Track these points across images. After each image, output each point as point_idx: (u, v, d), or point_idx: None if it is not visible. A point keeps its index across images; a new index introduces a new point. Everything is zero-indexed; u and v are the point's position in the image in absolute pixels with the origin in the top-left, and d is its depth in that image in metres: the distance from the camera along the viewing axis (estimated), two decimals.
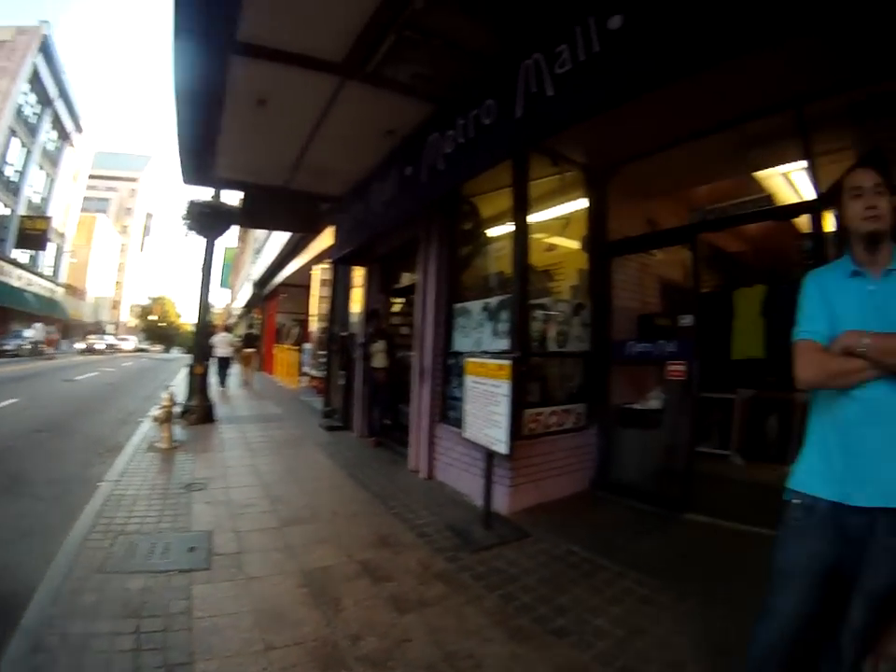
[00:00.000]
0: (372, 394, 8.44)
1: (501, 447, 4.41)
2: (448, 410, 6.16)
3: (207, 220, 9.69)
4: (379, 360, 8.18)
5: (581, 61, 3.66)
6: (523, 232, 5.39)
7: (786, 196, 6.08)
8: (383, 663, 2.66)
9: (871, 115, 4.43)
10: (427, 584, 3.55)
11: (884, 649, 2.32)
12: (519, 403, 4.74)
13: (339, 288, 11.19)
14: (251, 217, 9.67)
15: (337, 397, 10.22)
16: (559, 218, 6.63)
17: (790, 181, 5.96)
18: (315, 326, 16.91)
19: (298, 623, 3.01)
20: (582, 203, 6.33)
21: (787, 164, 5.64)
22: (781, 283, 6.67)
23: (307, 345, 16.49)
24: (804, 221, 5.25)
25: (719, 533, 4.64)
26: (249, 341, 20.98)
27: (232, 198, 10.28)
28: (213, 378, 12.62)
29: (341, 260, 9.59)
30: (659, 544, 4.43)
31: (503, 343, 5.33)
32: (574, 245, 6.61)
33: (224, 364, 16.13)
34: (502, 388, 4.42)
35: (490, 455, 4.65)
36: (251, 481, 5.88)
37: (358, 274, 10.19)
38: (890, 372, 1.88)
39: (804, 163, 4.92)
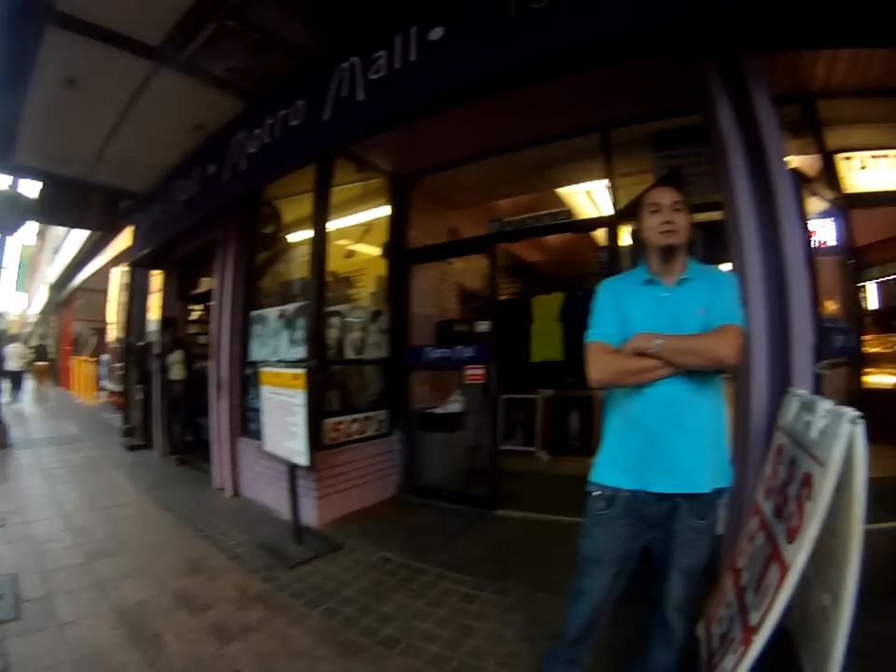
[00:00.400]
0: (171, 409, 7.90)
1: (301, 459, 4.30)
2: (248, 422, 5.93)
3: (1, 212, 8.57)
4: (177, 372, 7.69)
5: (397, 68, 3.69)
6: (322, 238, 5.30)
7: (585, 211, 6.62)
8: None
9: (667, 144, 5.00)
10: (247, 608, 3.39)
11: (713, 613, 2.78)
12: (318, 413, 4.70)
13: (136, 294, 10.26)
14: (47, 211, 8.58)
15: (136, 413, 9.43)
16: (361, 225, 6.66)
17: (590, 198, 6.50)
18: (112, 335, 15.24)
19: (120, 668, 2.75)
20: (385, 211, 6.36)
21: (588, 182, 6.14)
22: (578, 290, 7.17)
23: (104, 357, 14.96)
24: (601, 235, 5.77)
25: (530, 525, 4.87)
26: (42, 352, 19.13)
27: (31, 189, 8.93)
28: (3, 397, 11.13)
29: (138, 263, 8.81)
30: (474, 542, 4.54)
31: (300, 352, 5.21)
32: (374, 251, 6.62)
33: (16, 379, 14.55)
34: (298, 398, 4.32)
35: (293, 468, 4.50)
36: (51, 512, 5.29)
37: (157, 279, 9.46)
38: (680, 370, 2.07)
39: (604, 182, 5.34)
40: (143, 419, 9.02)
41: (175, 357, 7.74)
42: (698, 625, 2.89)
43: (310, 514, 4.82)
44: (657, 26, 2.99)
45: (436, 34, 3.50)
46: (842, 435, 1.97)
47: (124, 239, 10.18)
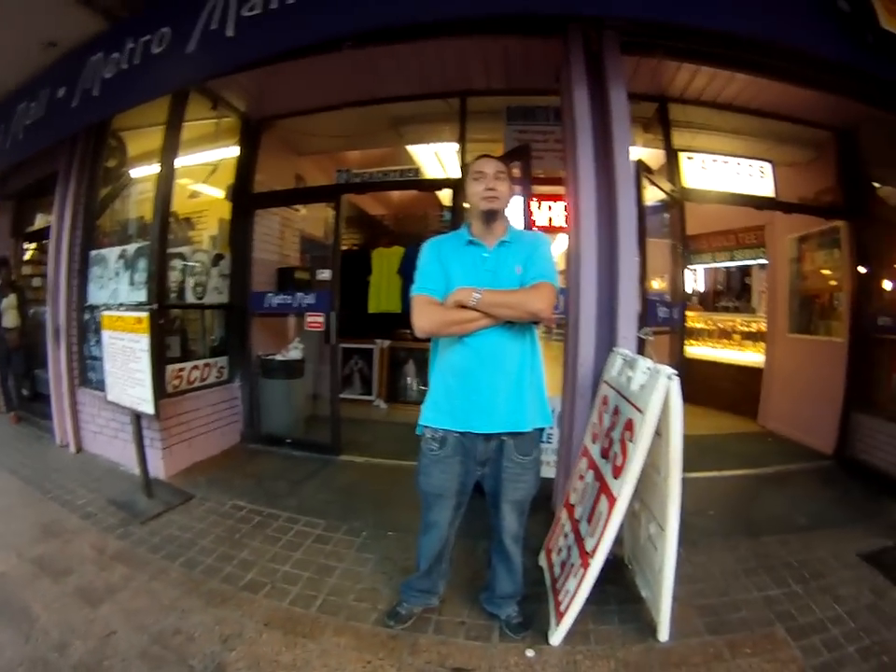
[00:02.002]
0: (5, 360, 7.18)
1: (147, 407, 4.19)
2: (88, 372, 5.57)
3: None
4: (10, 319, 6.91)
5: (273, 8, 3.64)
6: (169, 176, 5.08)
7: (433, 171, 6.94)
8: (98, 664, 2.50)
9: (520, 118, 5.45)
10: (109, 569, 3.34)
11: (552, 544, 3.19)
12: (161, 359, 4.59)
13: None
14: None
15: None
16: (208, 165, 6.44)
17: (439, 159, 6.82)
18: None
19: None
20: (233, 152, 6.19)
21: (440, 143, 6.43)
22: (418, 246, 7.38)
23: None
24: (446, 195, 6.03)
25: (373, 470, 5.19)
26: None
27: None
28: None
29: None
30: (321, 487, 4.75)
31: (140, 295, 4.99)
32: (219, 193, 6.49)
33: None
34: (142, 343, 4.17)
35: (138, 418, 4.39)
36: None
37: None
38: (498, 322, 2.37)
39: (456, 146, 5.59)
40: None
41: (8, 301, 6.96)
42: (540, 556, 3.35)
43: (157, 466, 4.75)
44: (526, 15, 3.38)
45: None
46: (659, 388, 2.38)
47: None
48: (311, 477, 4.98)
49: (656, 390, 2.40)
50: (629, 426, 2.59)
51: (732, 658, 2.65)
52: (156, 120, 5.16)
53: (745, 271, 10.17)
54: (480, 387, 2.43)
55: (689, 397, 7.70)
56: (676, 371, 2.44)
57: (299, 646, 2.66)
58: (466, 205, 2.69)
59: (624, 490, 2.49)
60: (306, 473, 5.05)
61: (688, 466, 5.15)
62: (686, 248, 5.55)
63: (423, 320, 2.42)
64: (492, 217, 2.52)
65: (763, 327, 8.25)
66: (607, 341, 3.56)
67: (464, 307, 2.34)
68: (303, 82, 5.21)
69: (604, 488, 2.71)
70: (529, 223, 4.48)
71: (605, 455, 2.84)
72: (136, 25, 4.43)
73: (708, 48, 3.95)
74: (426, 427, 2.58)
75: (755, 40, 3.50)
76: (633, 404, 2.62)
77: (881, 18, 3.37)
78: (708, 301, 10.95)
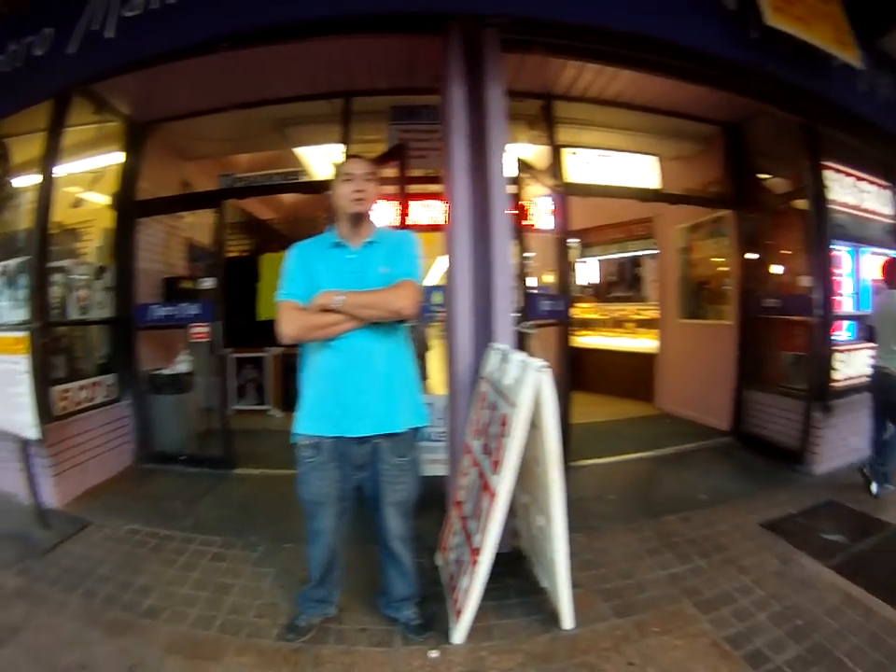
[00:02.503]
0: None
1: (32, 432, 4.06)
2: None
3: None
4: None
5: (153, 9, 3.62)
6: (49, 184, 4.88)
7: (321, 172, 6.99)
8: None
9: (403, 117, 5.55)
10: (9, 608, 3.20)
11: (446, 543, 3.30)
12: (45, 380, 4.44)
13: None
14: None
15: None
16: (91, 172, 6.23)
17: (329, 160, 6.79)
18: None
19: None
20: (118, 158, 6.00)
21: (326, 145, 6.43)
22: None
23: None
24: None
25: (268, 481, 5.21)
26: None
27: None
28: None
29: None
30: (216, 503, 4.75)
31: (22, 314, 4.76)
32: (103, 202, 6.23)
33: None
34: (21, 365, 4.06)
35: (25, 444, 4.22)
36: None
37: None
38: (364, 323, 2.43)
39: (341, 147, 5.59)
40: None
41: None
42: (437, 555, 3.47)
43: (50, 494, 4.57)
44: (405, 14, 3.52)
45: None
46: (529, 381, 2.51)
47: None
48: (206, 494, 4.95)
49: (527, 384, 2.52)
50: (504, 421, 2.70)
51: (641, 638, 2.80)
52: (39, 125, 4.95)
53: (636, 261, 10.56)
54: (350, 391, 2.49)
55: (585, 385, 8.13)
56: (545, 364, 2.56)
57: (201, 669, 2.66)
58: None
59: (503, 485, 2.61)
60: (201, 490, 5.02)
61: (586, 453, 5.48)
62: (566, 243, 5.77)
63: (288, 326, 2.44)
64: (360, 218, 2.59)
65: (656, 314, 8.66)
66: (484, 336, 3.68)
67: (328, 310, 2.39)
68: (188, 84, 5.15)
69: (485, 484, 2.82)
70: (403, 222, 4.61)
71: (486, 450, 2.96)
72: (19, 26, 4.32)
73: (591, 44, 4.07)
74: (300, 435, 2.62)
75: (637, 37, 3.66)
76: (507, 399, 2.74)
77: (766, 14, 3.58)
78: (602, 292, 11.36)
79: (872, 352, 5.12)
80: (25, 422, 4.09)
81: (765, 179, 6.34)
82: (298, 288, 2.50)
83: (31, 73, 4.18)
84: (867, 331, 5.43)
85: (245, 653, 2.77)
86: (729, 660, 2.62)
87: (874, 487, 4.68)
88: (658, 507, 4.44)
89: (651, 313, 9.25)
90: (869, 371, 5.10)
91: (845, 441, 5.41)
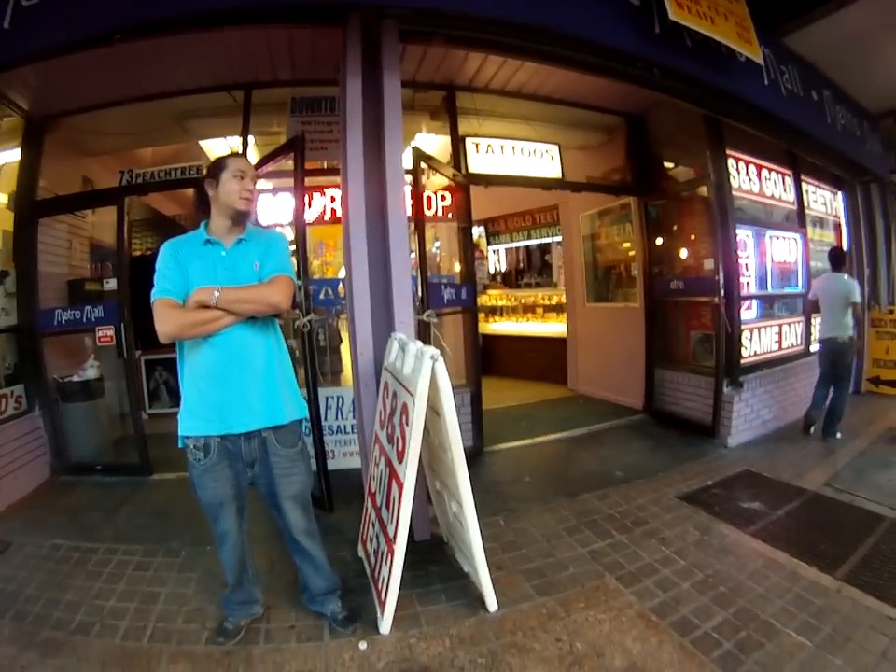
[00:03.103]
0: None
1: None
2: None
3: None
4: None
5: None
6: None
7: None
8: None
9: (303, 109, 5.55)
10: None
11: (365, 535, 3.38)
12: None
13: None
14: None
15: None
16: None
17: (234, 153, 6.61)
18: None
19: None
20: (15, 155, 5.76)
21: (228, 137, 6.42)
22: None
23: None
24: None
25: (186, 485, 4.93)
26: None
27: None
28: None
29: None
30: (135, 511, 4.72)
31: None
32: (2, 201, 5.94)
33: None
34: None
35: None
36: None
37: None
38: (241, 318, 2.49)
39: (240, 139, 5.65)
40: None
41: None
42: (358, 548, 3.57)
43: None
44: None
45: None
46: (425, 370, 2.63)
47: None
48: (124, 503, 4.91)
49: (422, 372, 2.65)
50: (405, 409, 2.82)
51: (567, 615, 2.94)
52: None
53: (545, 248, 10.93)
54: (231, 386, 2.53)
55: (498, 371, 8.38)
56: (437, 352, 2.69)
57: None
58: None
59: (409, 473, 2.73)
60: (119, 499, 4.98)
61: (501, 437, 5.67)
62: (469, 232, 5.90)
63: (165, 324, 2.42)
64: (243, 218, 2.65)
65: (564, 299, 8.99)
66: (386, 327, 3.79)
67: (206, 307, 2.41)
68: (87, 76, 4.98)
69: (393, 473, 2.95)
70: (300, 215, 4.61)
71: (391, 440, 3.08)
72: None
73: (492, 36, 4.10)
74: (186, 437, 2.64)
75: (540, 29, 3.76)
76: (406, 388, 2.86)
77: (670, 10, 3.71)
78: (512, 280, 11.70)
79: (819, 326, 5.87)
80: None
81: (669, 168, 6.65)
82: (173, 286, 2.49)
83: None
84: (811, 307, 6.11)
85: (178, 661, 2.81)
86: (656, 629, 2.77)
87: (812, 430, 5.63)
88: (575, 486, 4.62)
89: (559, 297, 9.57)
90: (817, 343, 5.85)
91: (756, 414, 5.78)
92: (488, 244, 11.42)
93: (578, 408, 7.38)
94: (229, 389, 2.53)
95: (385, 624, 2.87)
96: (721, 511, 3.99)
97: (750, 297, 6.16)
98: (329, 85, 5.10)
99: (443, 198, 6.07)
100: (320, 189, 5.92)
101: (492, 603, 3.00)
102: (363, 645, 2.81)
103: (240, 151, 5.59)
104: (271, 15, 3.85)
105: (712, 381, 5.72)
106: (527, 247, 11.21)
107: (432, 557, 3.53)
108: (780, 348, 6.53)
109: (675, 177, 6.63)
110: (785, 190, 6.98)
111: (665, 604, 2.96)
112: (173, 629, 3.06)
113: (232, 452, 2.63)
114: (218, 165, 2.65)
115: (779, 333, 6.53)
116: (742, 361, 5.77)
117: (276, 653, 2.81)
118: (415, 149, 4.80)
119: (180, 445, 2.70)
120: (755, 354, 6.02)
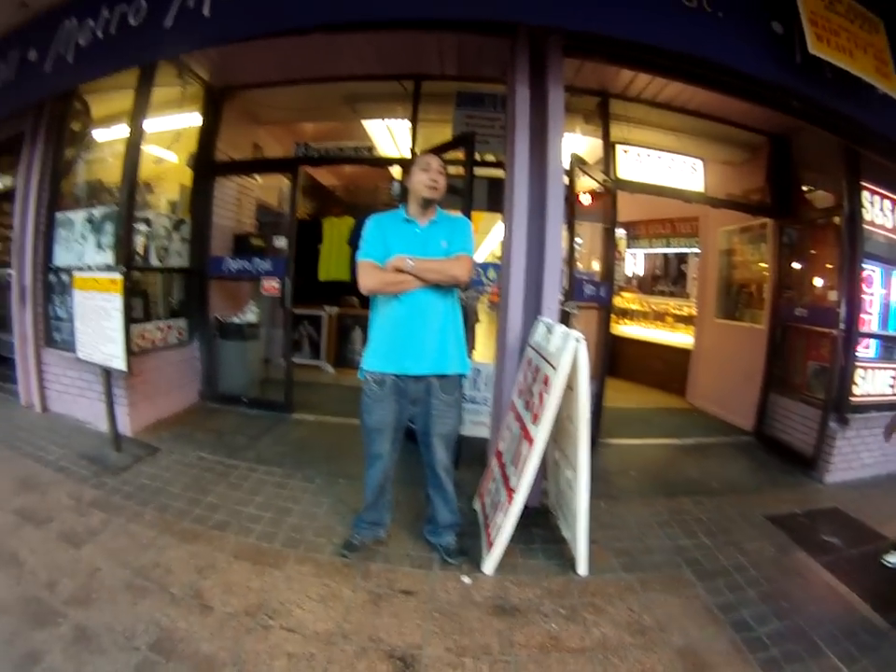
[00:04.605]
0: None
1: (119, 363, 4.47)
2: (53, 332, 5.72)
3: None
4: None
5: None
6: (137, 142, 5.22)
7: (385, 144, 7.42)
8: (87, 597, 2.76)
9: (469, 104, 5.87)
10: (87, 515, 3.62)
11: (484, 489, 3.74)
12: (129, 319, 4.70)
13: None
14: None
15: None
16: (171, 131, 6.63)
17: (391, 134, 7.27)
18: None
19: None
20: (196, 120, 6.42)
21: (394, 120, 6.87)
22: (366, 217, 7.76)
23: None
24: (397, 170, 6.54)
25: (323, 426, 5.73)
26: None
27: None
28: None
29: None
30: (276, 441, 5.24)
31: (107, 257, 5.22)
32: (180, 160, 6.70)
33: None
34: (114, 302, 4.47)
35: (108, 375, 4.67)
36: None
37: None
38: (427, 284, 2.95)
39: (408, 124, 6.03)
40: None
41: None
42: (474, 501, 3.92)
43: (124, 422, 5.00)
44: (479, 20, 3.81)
45: None
46: (569, 348, 2.94)
47: None
48: (266, 432, 5.42)
49: (567, 350, 2.95)
50: (546, 380, 3.13)
51: (643, 591, 3.16)
52: (120, 84, 5.22)
53: (682, 258, 10.68)
54: (412, 336, 2.99)
55: (621, 373, 8.44)
56: (582, 335, 3.00)
57: (266, 574, 3.08)
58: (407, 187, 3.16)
59: (541, 433, 3.04)
60: (262, 429, 5.49)
61: (615, 433, 5.89)
62: (613, 233, 5.99)
63: (368, 280, 2.96)
64: (429, 203, 3.10)
65: (694, 311, 8.86)
66: (533, 310, 4.07)
67: (400, 271, 2.91)
68: (266, 56, 5.47)
69: (525, 434, 3.25)
70: (469, 204, 4.87)
71: (528, 406, 3.38)
72: None
73: (645, 55, 4.27)
74: (367, 371, 3.12)
75: (682, 56, 3.88)
76: (549, 362, 3.17)
77: (810, 43, 3.72)
78: (646, 285, 11.50)
79: None
80: (113, 353, 4.53)
81: (808, 192, 6.44)
82: (376, 251, 3.00)
83: (125, 41, 4.34)
84: None
85: (303, 564, 3.21)
86: (716, 622, 2.92)
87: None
88: (674, 488, 4.74)
89: (689, 309, 9.46)
90: None
91: (858, 456, 5.54)
92: (627, 246, 11.34)
93: (690, 419, 7.38)
94: (409, 339, 3.00)
95: (489, 565, 3.20)
96: (800, 538, 4.00)
97: (870, 335, 5.78)
98: (493, 83, 5.48)
99: (592, 199, 6.29)
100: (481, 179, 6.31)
101: (582, 567, 3.26)
102: (466, 579, 3.15)
103: (409, 136, 6.00)
104: (448, 25, 4.21)
105: (820, 413, 5.54)
106: (665, 255, 11.03)
107: (537, 522, 3.80)
108: (894, 393, 6.02)
109: (812, 202, 6.38)
110: None
111: (729, 603, 3.09)
112: (301, 539, 3.48)
113: (402, 389, 3.08)
114: (412, 161, 3.22)
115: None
116: (852, 399, 5.48)
117: (390, 572, 3.18)
118: (573, 155, 5.01)
119: (360, 377, 3.17)
120: (867, 394, 5.66)
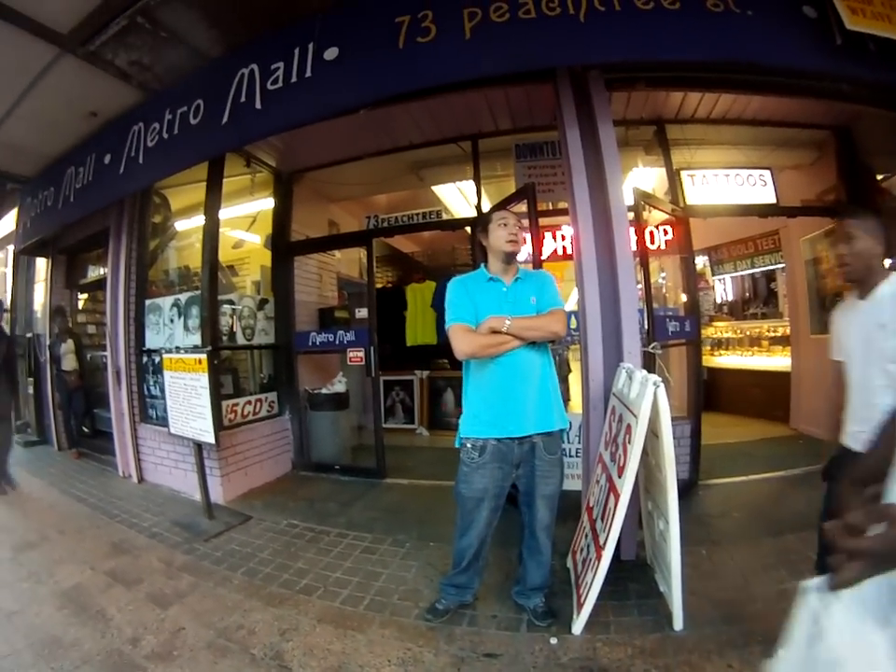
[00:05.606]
0: (66, 401, 7.56)
1: (209, 437, 4.64)
2: (148, 409, 6.09)
3: None
4: (69, 363, 7.37)
5: (293, 82, 4.05)
6: (214, 229, 5.50)
7: (457, 206, 7.53)
8: (168, 653, 2.85)
9: (527, 154, 5.80)
10: (176, 578, 3.71)
11: (577, 546, 3.55)
12: (217, 395, 4.91)
13: (20, 283, 9.34)
14: None
15: (28, 407, 8.78)
16: (246, 216, 7.00)
17: (462, 194, 7.35)
18: None
19: (75, 643, 2.99)
20: (269, 203, 6.72)
21: (458, 182, 6.99)
22: (448, 280, 7.83)
23: None
24: (469, 230, 6.50)
25: (416, 490, 5.58)
26: None
27: None
28: None
29: (25, 251, 8.14)
30: (368, 506, 5.14)
31: (195, 339, 5.44)
32: (258, 242, 7.02)
33: None
34: (202, 381, 4.65)
35: (199, 448, 4.86)
36: None
37: (41, 268, 8.87)
38: (525, 342, 2.84)
39: (471, 183, 6.05)
40: (36, 413, 8.58)
41: (67, 346, 7.41)
42: (567, 559, 3.70)
43: (216, 492, 5.14)
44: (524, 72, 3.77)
45: (331, 53, 3.95)
46: (648, 394, 2.75)
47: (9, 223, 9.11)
48: (358, 498, 5.36)
49: (646, 396, 2.77)
50: (629, 429, 2.95)
51: (744, 645, 2.82)
52: (194, 178, 5.60)
53: (770, 276, 10.06)
54: (514, 397, 2.88)
55: (719, 406, 7.82)
56: (660, 380, 2.81)
57: (348, 637, 3.00)
58: (486, 246, 3.10)
59: (626, 485, 2.84)
60: (354, 495, 5.44)
61: (715, 473, 5.47)
62: (691, 263, 5.75)
63: (464, 345, 2.84)
64: (512, 258, 3.01)
65: (788, 330, 8.37)
66: (614, 357, 3.88)
67: (496, 332, 2.80)
68: (325, 138, 5.66)
69: (612, 487, 3.06)
70: (538, 257, 4.82)
71: (613, 458, 3.20)
72: (173, 98, 4.85)
73: (688, 73, 4.27)
74: (465, 438, 3.00)
75: (731, 64, 3.82)
76: (631, 410, 2.99)
77: (846, 19, 3.48)
78: (738, 310, 10.94)
79: None
80: (203, 429, 4.70)
81: (883, 180, 6.09)
82: (467, 313, 2.90)
83: (189, 139, 4.65)
84: None
85: (387, 627, 3.10)
86: None
87: None
88: (780, 525, 4.34)
89: (784, 329, 8.91)
90: None
91: None
92: (713, 273, 10.76)
93: (797, 447, 6.82)
94: (511, 400, 2.88)
95: (578, 626, 2.97)
96: None
97: None
98: (547, 130, 5.44)
99: (665, 232, 6.09)
100: (551, 228, 6.27)
101: (678, 622, 2.99)
102: (554, 640, 2.93)
103: (473, 196, 6.03)
104: (486, 82, 4.22)
105: None
106: (752, 275, 10.35)
107: (633, 576, 3.56)
108: None
109: (891, 190, 6.01)
110: None
111: None
112: (388, 602, 3.38)
113: (504, 454, 2.93)
114: (486, 219, 3.16)
115: None
116: None
117: (475, 635, 3.01)
118: (636, 189, 4.86)
119: (457, 445, 3.08)
120: None
